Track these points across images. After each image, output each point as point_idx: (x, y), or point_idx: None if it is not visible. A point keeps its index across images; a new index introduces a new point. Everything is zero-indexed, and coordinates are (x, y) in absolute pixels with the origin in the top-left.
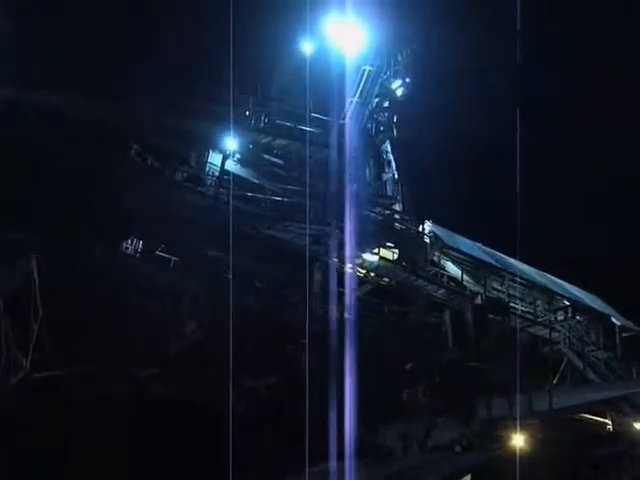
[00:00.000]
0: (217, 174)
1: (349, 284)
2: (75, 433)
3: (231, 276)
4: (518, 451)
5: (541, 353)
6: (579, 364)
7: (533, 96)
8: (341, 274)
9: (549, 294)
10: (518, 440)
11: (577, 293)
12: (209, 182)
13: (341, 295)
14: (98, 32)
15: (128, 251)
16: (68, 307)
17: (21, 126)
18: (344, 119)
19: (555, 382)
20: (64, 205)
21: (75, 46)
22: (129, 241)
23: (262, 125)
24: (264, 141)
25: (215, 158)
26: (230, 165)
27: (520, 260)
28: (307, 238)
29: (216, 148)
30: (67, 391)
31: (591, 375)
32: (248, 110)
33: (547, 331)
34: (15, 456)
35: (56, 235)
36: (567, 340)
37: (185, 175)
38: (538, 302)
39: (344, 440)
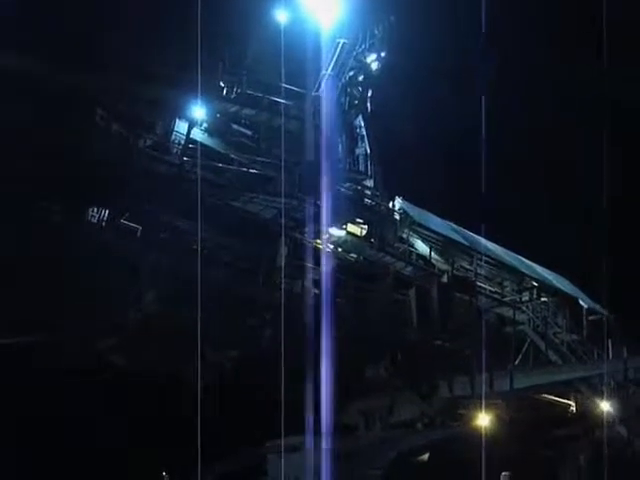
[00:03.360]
0: (183, 143)
1: (324, 260)
2: (35, 402)
3: (199, 247)
4: (483, 430)
5: (504, 333)
6: (541, 345)
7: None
8: (308, 249)
9: (517, 275)
10: (481, 419)
11: (546, 274)
12: (175, 151)
13: (306, 270)
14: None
15: (93, 219)
16: (26, 275)
17: None
18: (317, 91)
19: (517, 363)
20: (23, 171)
21: (43, 11)
22: (94, 209)
23: (234, 95)
24: (232, 110)
25: (182, 127)
26: (197, 134)
27: (491, 240)
28: (279, 211)
29: (183, 116)
30: (29, 359)
31: (553, 357)
32: (218, 78)
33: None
34: None
35: (14, 201)
36: (531, 321)
37: (150, 143)
38: (506, 283)
39: (306, 416)
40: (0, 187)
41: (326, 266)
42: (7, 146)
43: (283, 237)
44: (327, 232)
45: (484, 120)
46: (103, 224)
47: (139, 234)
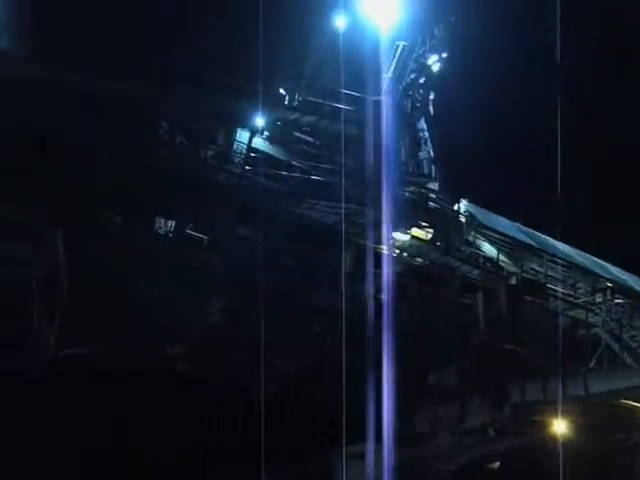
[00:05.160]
0: (245, 152)
1: (386, 264)
2: (103, 408)
3: (261, 255)
4: (559, 437)
5: (578, 336)
6: (616, 348)
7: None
8: (372, 254)
9: (590, 275)
10: (557, 425)
11: (620, 275)
12: (237, 160)
13: (370, 275)
14: (129, 11)
15: (161, 230)
16: (95, 285)
17: (50, 105)
18: (378, 96)
19: (591, 367)
20: (92, 184)
21: (107, 25)
22: (161, 220)
23: (296, 103)
24: (293, 117)
25: (244, 136)
26: (259, 143)
27: (562, 241)
28: (342, 217)
29: (245, 126)
30: (95, 367)
31: (628, 360)
32: (281, 87)
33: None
34: (46, 431)
35: (84, 214)
36: (605, 323)
37: (212, 153)
38: (579, 284)
39: (380, 424)
40: (67, 199)
41: (387, 270)
42: (73, 160)
43: (342, 243)
44: (390, 237)
45: (559, 119)
46: (170, 235)
47: (205, 243)
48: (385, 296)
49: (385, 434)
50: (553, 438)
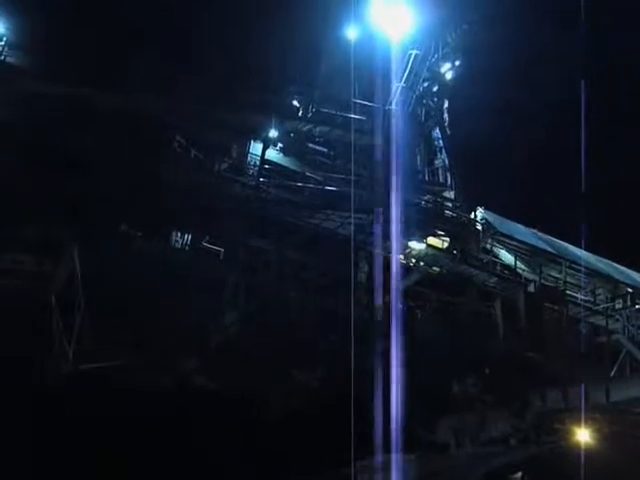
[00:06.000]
0: (258, 164)
1: (395, 273)
2: (122, 423)
3: (276, 267)
4: (582, 445)
5: (598, 343)
6: (638, 355)
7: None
8: (387, 263)
9: (610, 281)
10: (578, 434)
11: None
12: (251, 172)
13: (387, 285)
14: (142, 27)
15: (177, 244)
16: (112, 300)
17: (65, 122)
18: (390, 105)
19: (613, 374)
20: (107, 199)
21: (121, 41)
22: (178, 234)
23: (310, 114)
24: (306, 128)
25: (257, 148)
26: (272, 154)
27: (584, 248)
28: (357, 227)
29: (258, 138)
30: (114, 381)
31: None
32: (294, 99)
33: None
34: (64, 445)
35: (99, 229)
36: (626, 329)
37: (226, 166)
38: (599, 290)
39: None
40: (85, 215)
41: (395, 278)
42: (89, 175)
43: (352, 252)
44: (401, 245)
45: (584, 125)
46: (186, 248)
47: (222, 256)
48: (393, 305)
49: (393, 444)
50: (575, 446)
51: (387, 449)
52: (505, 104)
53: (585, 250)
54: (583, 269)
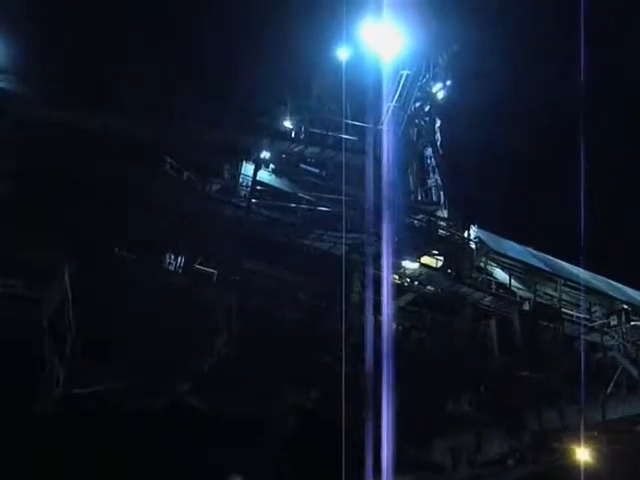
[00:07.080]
0: (250, 185)
1: (386, 293)
2: (114, 446)
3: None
4: (582, 464)
5: (594, 361)
6: (634, 372)
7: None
8: (381, 283)
9: (606, 298)
10: (578, 452)
11: (637, 297)
12: (242, 193)
13: (372, 304)
14: (135, 49)
15: (170, 266)
16: (105, 323)
17: (55, 144)
18: (382, 125)
19: (609, 391)
20: (99, 221)
21: (110, 64)
22: (171, 256)
23: (302, 135)
24: (297, 149)
25: (249, 169)
26: (264, 176)
27: (577, 264)
28: (350, 247)
29: (250, 159)
30: (107, 405)
31: None
32: (286, 120)
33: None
34: (56, 468)
35: (91, 251)
36: (621, 347)
37: (218, 187)
38: (595, 308)
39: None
40: (77, 238)
41: (389, 298)
42: (82, 197)
43: (344, 273)
44: (395, 265)
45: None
46: (180, 270)
47: (215, 278)
48: (385, 325)
49: (384, 464)
50: (574, 465)
51: (382, 471)
52: (498, 124)
53: (580, 267)
54: (578, 286)
